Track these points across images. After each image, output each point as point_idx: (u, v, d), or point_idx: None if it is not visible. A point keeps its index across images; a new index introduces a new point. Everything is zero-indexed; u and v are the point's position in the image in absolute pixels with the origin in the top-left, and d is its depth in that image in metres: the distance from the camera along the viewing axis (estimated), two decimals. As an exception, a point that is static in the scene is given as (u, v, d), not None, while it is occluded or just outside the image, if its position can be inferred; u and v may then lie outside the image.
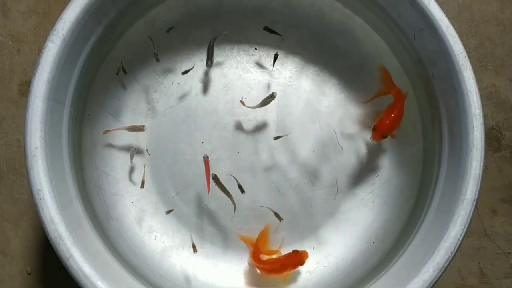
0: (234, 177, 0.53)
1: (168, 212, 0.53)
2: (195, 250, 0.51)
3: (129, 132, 0.53)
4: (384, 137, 0.51)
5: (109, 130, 0.53)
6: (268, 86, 0.56)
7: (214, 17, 0.56)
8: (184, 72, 0.54)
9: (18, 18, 0.61)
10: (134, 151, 0.53)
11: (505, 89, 0.62)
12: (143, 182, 0.53)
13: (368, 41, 0.56)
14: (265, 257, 0.52)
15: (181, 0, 0.55)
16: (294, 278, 0.53)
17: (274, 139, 0.53)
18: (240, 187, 0.52)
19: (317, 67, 0.56)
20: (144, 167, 0.53)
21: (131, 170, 0.54)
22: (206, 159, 0.52)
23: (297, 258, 0.51)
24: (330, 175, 0.55)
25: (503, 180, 0.60)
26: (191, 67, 0.54)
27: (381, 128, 0.50)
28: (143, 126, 0.53)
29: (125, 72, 0.54)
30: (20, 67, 0.60)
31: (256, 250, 0.51)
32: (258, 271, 0.52)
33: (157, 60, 0.54)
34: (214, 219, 0.54)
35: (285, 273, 0.51)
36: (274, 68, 0.56)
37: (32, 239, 0.58)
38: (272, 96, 0.53)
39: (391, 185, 0.55)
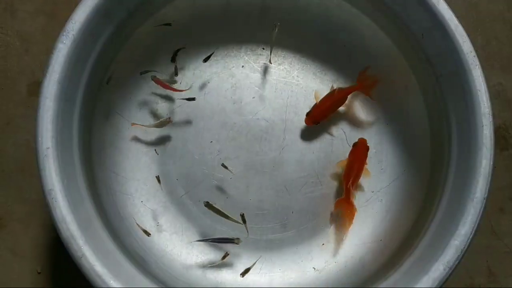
0: (243, 217, 0.52)
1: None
2: (148, 234, 0.52)
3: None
4: (316, 123, 0.54)
5: (137, 124, 0.53)
6: (276, 85, 0.56)
7: (222, 17, 0.56)
8: (206, 59, 0.55)
9: (26, 18, 0.61)
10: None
11: (512, 88, 0.62)
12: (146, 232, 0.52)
13: (376, 40, 0.56)
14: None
15: (190, 0, 0.55)
16: (302, 276, 0.53)
17: (222, 165, 0.53)
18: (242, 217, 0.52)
19: (324, 66, 0.57)
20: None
21: (141, 170, 0.54)
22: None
23: (361, 147, 0.53)
24: (338, 174, 0.55)
25: (511, 179, 0.60)
26: (211, 52, 0.55)
27: (314, 114, 0.53)
28: (169, 117, 0.53)
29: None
30: (29, 67, 0.60)
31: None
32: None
33: (176, 74, 0.54)
34: (222, 218, 0.54)
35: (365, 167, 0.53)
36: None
37: (42, 238, 0.58)
38: (275, 26, 0.53)
39: (399, 183, 0.55)
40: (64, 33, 0.45)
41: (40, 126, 0.43)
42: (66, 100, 0.45)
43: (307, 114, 0.54)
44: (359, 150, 0.53)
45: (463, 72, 0.47)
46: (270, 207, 0.54)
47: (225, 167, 0.53)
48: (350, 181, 0.52)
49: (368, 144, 0.54)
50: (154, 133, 0.55)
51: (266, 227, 0.54)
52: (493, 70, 0.62)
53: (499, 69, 0.62)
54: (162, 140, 0.55)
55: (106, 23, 0.48)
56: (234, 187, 0.54)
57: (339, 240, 0.54)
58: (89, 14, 0.46)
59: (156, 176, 0.53)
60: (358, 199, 0.54)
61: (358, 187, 0.55)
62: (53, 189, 0.43)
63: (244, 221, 0.52)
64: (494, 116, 0.60)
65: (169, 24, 0.54)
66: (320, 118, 0.54)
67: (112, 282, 0.42)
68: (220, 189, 0.54)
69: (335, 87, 0.54)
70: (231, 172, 0.54)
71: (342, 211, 0.53)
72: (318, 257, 0.54)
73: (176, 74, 0.54)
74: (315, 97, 0.55)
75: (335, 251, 0.54)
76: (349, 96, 0.55)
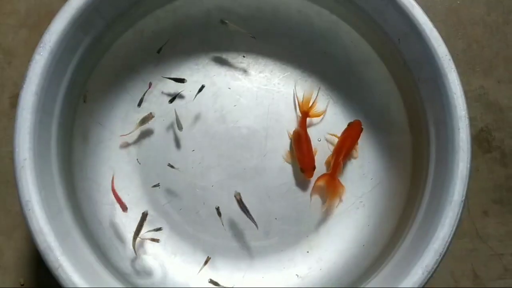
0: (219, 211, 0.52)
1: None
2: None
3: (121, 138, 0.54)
4: (314, 169, 0.54)
5: (125, 135, 0.54)
6: (257, 93, 0.56)
7: (203, 27, 0.57)
8: (172, 100, 0.55)
9: (8, 31, 0.61)
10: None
11: (494, 91, 0.62)
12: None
13: (355, 46, 0.56)
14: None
15: (170, 10, 0.56)
16: (285, 283, 0.53)
17: (169, 165, 0.53)
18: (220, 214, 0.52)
19: (305, 73, 0.57)
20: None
21: (123, 179, 0.54)
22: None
23: (355, 127, 0.54)
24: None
25: (494, 181, 0.60)
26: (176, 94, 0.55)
27: (305, 167, 0.53)
28: (151, 113, 0.53)
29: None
30: (11, 80, 0.60)
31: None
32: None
33: (139, 105, 0.55)
34: (205, 227, 0.54)
35: (356, 147, 0.54)
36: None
37: (25, 251, 0.58)
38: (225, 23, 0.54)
39: (381, 188, 0.55)
40: (41, 45, 0.46)
41: (17, 137, 0.44)
42: (44, 111, 0.45)
43: (303, 171, 0.54)
44: (354, 128, 0.54)
45: (439, 76, 0.47)
46: (253, 214, 0.54)
47: (172, 166, 0.53)
48: (342, 155, 0.52)
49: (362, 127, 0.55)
50: (136, 143, 0.55)
51: (249, 234, 0.54)
52: (475, 73, 0.62)
53: (481, 72, 0.62)
54: (144, 149, 0.55)
55: (83, 34, 0.48)
56: (217, 195, 0.54)
57: (326, 214, 0.54)
58: (66, 26, 0.46)
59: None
60: (341, 205, 0.54)
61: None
62: (30, 200, 0.43)
63: (219, 214, 0.52)
64: (476, 119, 0.61)
65: (182, 81, 0.55)
66: (314, 163, 0.54)
67: (89, 292, 0.42)
68: (202, 197, 0.54)
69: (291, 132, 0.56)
70: (178, 170, 0.54)
71: (327, 186, 0.53)
72: (301, 264, 0.54)
73: (139, 105, 0.55)
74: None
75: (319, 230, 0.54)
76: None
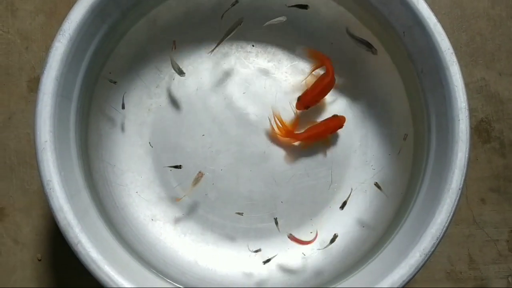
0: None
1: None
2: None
3: (128, 127, 0.57)
4: (307, 108, 0.56)
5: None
6: (265, 81, 0.58)
7: (213, 16, 0.58)
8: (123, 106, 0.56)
9: (26, 17, 0.63)
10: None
11: (495, 83, 0.64)
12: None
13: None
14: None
15: (181, 0, 0.58)
16: (291, 263, 0.56)
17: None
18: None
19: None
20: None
21: (136, 162, 0.57)
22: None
23: (337, 122, 0.56)
24: (325, 166, 0.57)
25: (492, 171, 0.63)
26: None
27: (305, 99, 0.56)
28: (200, 172, 0.55)
29: (114, 82, 0.56)
30: (29, 64, 0.63)
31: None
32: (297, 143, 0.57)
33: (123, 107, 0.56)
34: (214, 208, 0.57)
35: (326, 137, 0.57)
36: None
37: (42, 228, 0.61)
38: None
39: (383, 175, 0.57)
40: (61, 33, 0.47)
41: (38, 120, 0.46)
42: (63, 96, 0.48)
43: (299, 99, 0.56)
44: (335, 124, 0.57)
45: (441, 68, 0.49)
46: (259, 198, 0.57)
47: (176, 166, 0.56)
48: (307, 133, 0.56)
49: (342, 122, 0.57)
50: (148, 127, 0.57)
51: (256, 216, 0.57)
52: (477, 65, 0.64)
53: (483, 64, 0.64)
54: (156, 134, 0.57)
55: (101, 22, 0.50)
56: (225, 179, 0.57)
57: None
58: (85, 15, 0.48)
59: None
60: (343, 191, 0.57)
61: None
62: (51, 180, 0.45)
63: (276, 223, 0.55)
64: (476, 110, 0.63)
65: (115, 82, 0.56)
66: (311, 103, 0.56)
67: (106, 267, 0.44)
68: (212, 180, 0.57)
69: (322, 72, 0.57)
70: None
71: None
72: (305, 246, 0.56)
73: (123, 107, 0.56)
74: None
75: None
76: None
